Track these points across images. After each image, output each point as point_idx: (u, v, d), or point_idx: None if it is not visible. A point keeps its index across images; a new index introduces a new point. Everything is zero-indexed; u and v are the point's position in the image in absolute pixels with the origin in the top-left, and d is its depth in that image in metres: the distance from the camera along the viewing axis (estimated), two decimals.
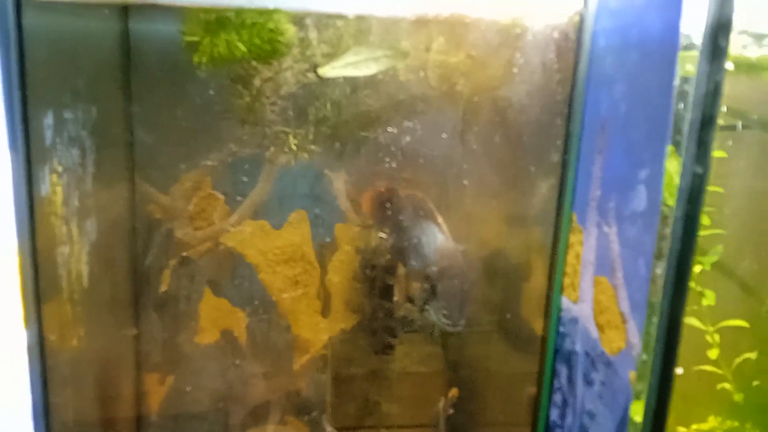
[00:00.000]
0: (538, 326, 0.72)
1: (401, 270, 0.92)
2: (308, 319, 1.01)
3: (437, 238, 0.74)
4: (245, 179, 0.95)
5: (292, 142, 0.69)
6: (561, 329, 0.68)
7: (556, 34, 0.64)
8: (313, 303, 1.00)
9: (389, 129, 0.66)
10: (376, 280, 0.96)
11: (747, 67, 0.53)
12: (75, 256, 0.72)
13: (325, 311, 1.00)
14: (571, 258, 0.67)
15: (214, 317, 1.01)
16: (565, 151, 0.64)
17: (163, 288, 0.98)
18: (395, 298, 0.94)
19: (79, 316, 0.74)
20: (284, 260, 1.03)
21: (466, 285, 0.74)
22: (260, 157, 0.86)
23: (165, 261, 0.99)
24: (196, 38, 0.61)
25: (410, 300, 0.92)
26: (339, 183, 0.94)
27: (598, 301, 0.62)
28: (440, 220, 0.72)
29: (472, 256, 0.73)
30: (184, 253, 0.99)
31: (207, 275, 1.00)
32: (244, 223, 1.01)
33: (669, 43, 0.47)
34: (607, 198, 0.60)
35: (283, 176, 0.91)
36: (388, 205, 0.83)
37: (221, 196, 0.96)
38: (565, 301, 0.68)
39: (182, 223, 1.00)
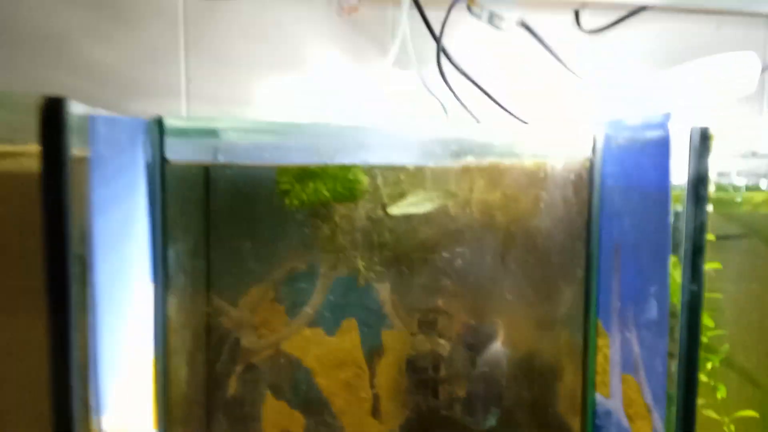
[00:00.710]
0: (575, 421, 0.82)
1: (445, 372, 1.02)
2: (360, 419, 1.09)
3: (482, 344, 0.86)
4: (303, 291, 1.07)
5: (361, 264, 0.84)
6: (597, 422, 0.79)
7: (572, 176, 0.80)
8: (364, 404, 1.10)
9: (443, 254, 0.81)
10: (422, 382, 1.06)
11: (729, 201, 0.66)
12: (177, 365, 0.85)
13: (375, 412, 1.09)
14: (600, 359, 0.79)
15: (275, 419, 1.10)
16: (587, 269, 0.79)
17: (230, 392, 1.08)
18: (440, 399, 1.03)
19: (177, 417, 0.85)
20: (337, 365, 1.13)
21: (507, 385, 0.84)
22: (317, 272, 1.00)
23: (232, 367, 1.10)
24: (288, 186, 0.78)
25: (455, 400, 1.01)
26: (385, 294, 1.07)
27: (627, 395, 0.73)
28: (485, 327, 0.84)
29: (513, 358, 0.84)
30: (249, 360, 1.11)
31: (268, 380, 1.11)
32: (301, 331, 1.12)
33: (662, 188, 0.62)
34: (626, 308, 0.73)
35: (335, 288, 1.04)
36: (434, 315, 0.95)
37: (282, 306, 1.08)
38: (599, 397, 0.79)
39: (248, 332, 1.13)
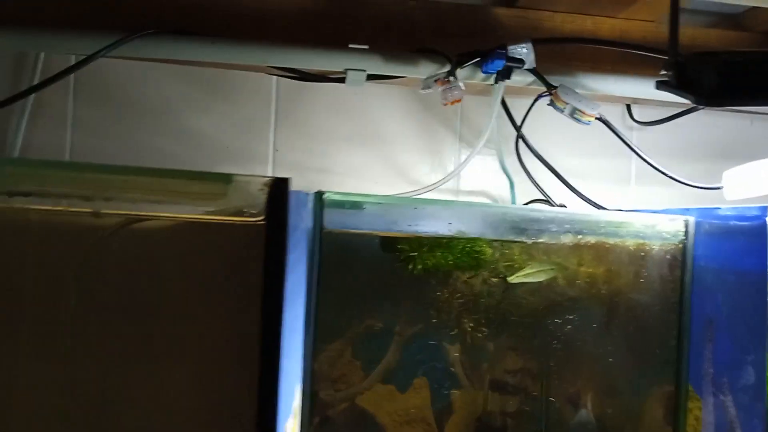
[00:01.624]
0: None
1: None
2: None
3: (571, 407, 0.94)
4: (378, 349, 1.14)
5: (468, 325, 0.94)
6: None
7: (668, 256, 0.93)
8: None
9: (556, 320, 0.91)
10: None
11: None
12: None
13: None
14: (691, 420, 0.89)
15: None
16: (679, 339, 0.90)
17: None
18: None
19: None
20: (407, 421, 1.18)
21: None
22: (392, 331, 1.08)
23: (310, 419, 1.17)
24: (414, 253, 0.89)
25: None
26: (455, 354, 1.14)
27: None
28: (575, 392, 0.93)
29: (604, 424, 0.93)
30: (325, 413, 1.17)
31: None
32: (375, 386, 1.17)
33: (760, 270, 0.74)
34: (721, 375, 0.84)
35: (408, 347, 1.12)
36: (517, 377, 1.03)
37: (358, 362, 1.15)
38: None
39: (326, 386, 1.19)
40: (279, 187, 0.63)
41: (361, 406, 1.16)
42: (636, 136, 1.38)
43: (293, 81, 1.24)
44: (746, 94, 0.72)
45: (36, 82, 1.10)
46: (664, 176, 1.24)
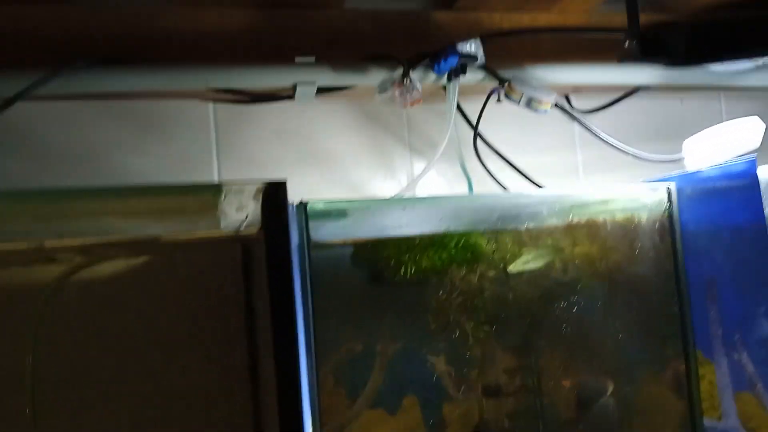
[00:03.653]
0: None
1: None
2: None
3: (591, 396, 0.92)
4: (361, 373, 1.08)
5: (468, 326, 0.89)
6: None
7: (657, 225, 0.92)
8: None
9: (562, 303, 0.88)
10: None
11: None
12: None
13: None
14: (705, 386, 0.87)
15: None
16: (681, 306, 0.89)
17: None
18: None
19: None
20: None
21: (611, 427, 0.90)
22: (373, 351, 1.02)
23: None
24: (405, 256, 0.83)
25: None
26: (441, 366, 1.10)
27: (744, 411, 0.82)
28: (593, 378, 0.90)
29: (617, 398, 0.91)
30: None
31: None
32: (363, 413, 1.11)
33: (758, 226, 0.74)
34: (731, 333, 0.83)
35: (392, 366, 1.07)
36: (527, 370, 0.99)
37: (342, 390, 1.09)
38: (709, 422, 0.87)
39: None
40: (275, 192, 0.56)
41: None
42: (577, 127, 1.41)
43: (232, 107, 1.18)
44: (714, 52, 0.74)
45: None
46: (608, 163, 1.27)
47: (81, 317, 0.63)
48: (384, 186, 1.25)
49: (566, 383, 0.94)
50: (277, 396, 0.54)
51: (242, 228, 0.57)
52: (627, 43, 0.81)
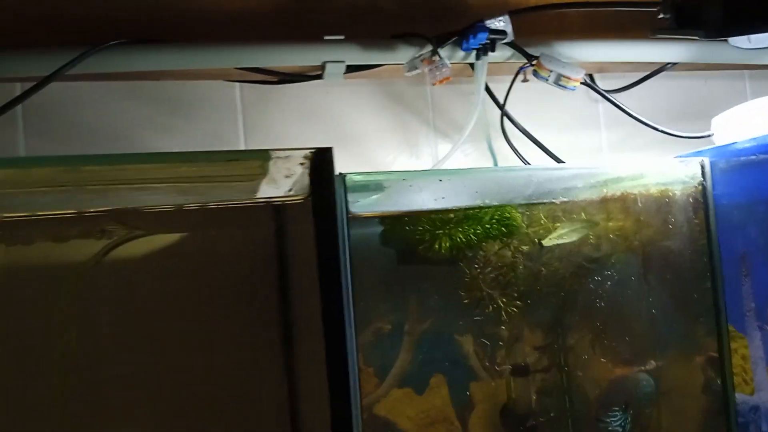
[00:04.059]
0: (719, 423, 0.89)
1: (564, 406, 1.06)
2: None
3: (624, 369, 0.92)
4: (389, 351, 1.08)
5: (500, 299, 0.90)
6: (740, 420, 0.87)
7: (690, 199, 0.93)
8: None
9: (596, 277, 0.89)
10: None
11: None
12: None
13: None
14: (737, 360, 0.88)
15: None
16: (714, 280, 0.90)
17: None
18: None
19: None
20: (429, 423, 1.14)
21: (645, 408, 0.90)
22: (401, 330, 1.03)
23: None
24: (440, 231, 0.84)
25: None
26: (468, 345, 1.10)
27: None
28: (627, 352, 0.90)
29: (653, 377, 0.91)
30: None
31: None
32: (391, 392, 1.11)
33: None
34: (764, 307, 0.83)
35: (419, 345, 1.07)
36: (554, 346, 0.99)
37: (371, 369, 1.09)
38: (741, 397, 0.88)
39: None
40: (321, 160, 0.57)
41: (381, 414, 1.11)
42: (602, 106, 1.40)
43: (258, 87, 1.18)
44: (753, 22, 0.73)
45: None
46: (633, 143, 1.27)
47: (127, 289, 0.64)
48: (409, 166, 1.26)
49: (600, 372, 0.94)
50: (327, 365, 0.55)
51: (291, 192, 0.58)
52: (662, 15, 0.81)
